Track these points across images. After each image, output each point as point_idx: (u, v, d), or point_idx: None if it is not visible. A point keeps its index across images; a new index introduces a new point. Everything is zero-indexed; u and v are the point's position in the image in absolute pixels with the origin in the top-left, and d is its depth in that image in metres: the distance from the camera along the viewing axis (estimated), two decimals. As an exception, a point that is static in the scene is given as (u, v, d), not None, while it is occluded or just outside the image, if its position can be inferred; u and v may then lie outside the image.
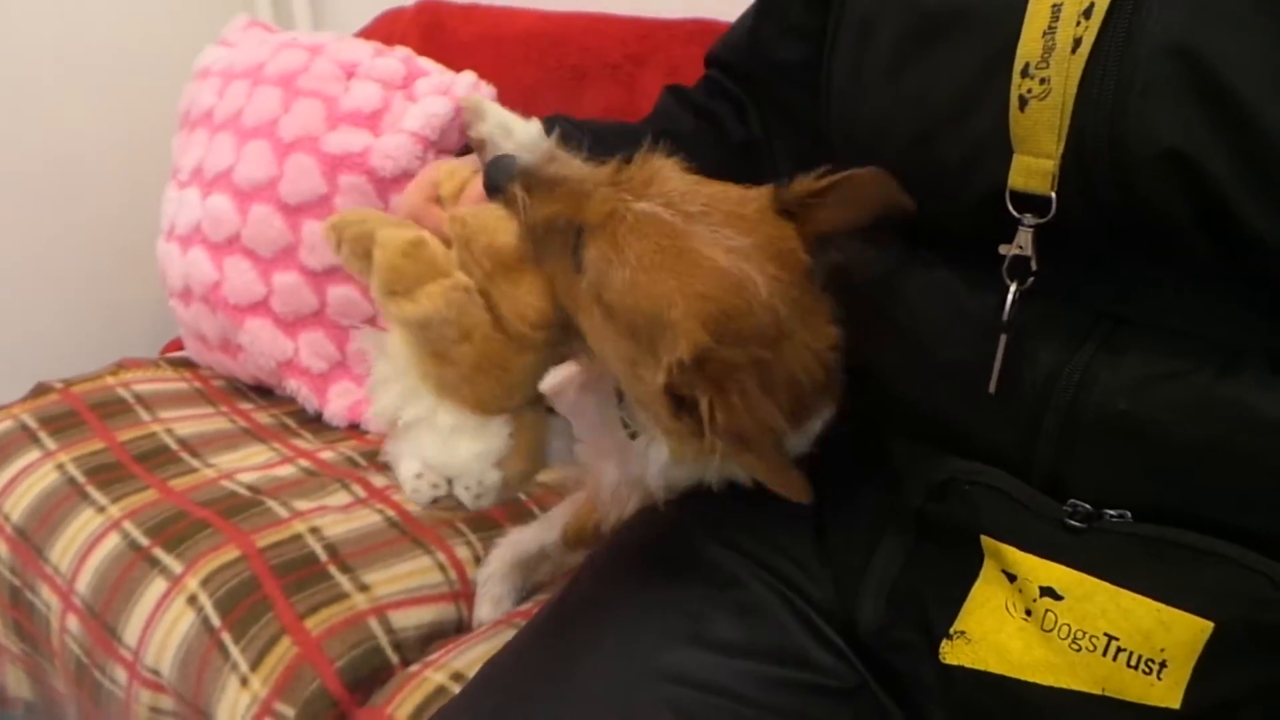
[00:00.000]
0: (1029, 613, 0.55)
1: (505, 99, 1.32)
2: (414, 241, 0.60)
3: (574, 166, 0.62)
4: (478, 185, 0.67)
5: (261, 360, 1.24)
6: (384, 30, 1.49)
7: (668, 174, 0.60)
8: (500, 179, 0.61)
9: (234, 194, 1.21)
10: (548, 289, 0.61)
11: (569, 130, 0.73)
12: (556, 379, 0.97)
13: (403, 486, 0.65)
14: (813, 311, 0.59)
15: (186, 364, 1.40)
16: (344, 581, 0.93)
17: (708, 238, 0.56)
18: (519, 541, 0.93)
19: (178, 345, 1.48)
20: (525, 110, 1.34)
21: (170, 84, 1.39)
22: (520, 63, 1.36)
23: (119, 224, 1.69)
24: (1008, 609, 0.56)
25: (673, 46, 1.26)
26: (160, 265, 1.33)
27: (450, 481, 0.63)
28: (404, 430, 0.64)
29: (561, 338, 0.63)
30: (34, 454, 1.16)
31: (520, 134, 0.70)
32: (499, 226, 0.61)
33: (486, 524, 1.03)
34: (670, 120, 0.82)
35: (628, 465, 0.74)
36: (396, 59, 1.26)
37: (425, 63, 1.28)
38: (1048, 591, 0.54)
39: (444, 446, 0.63)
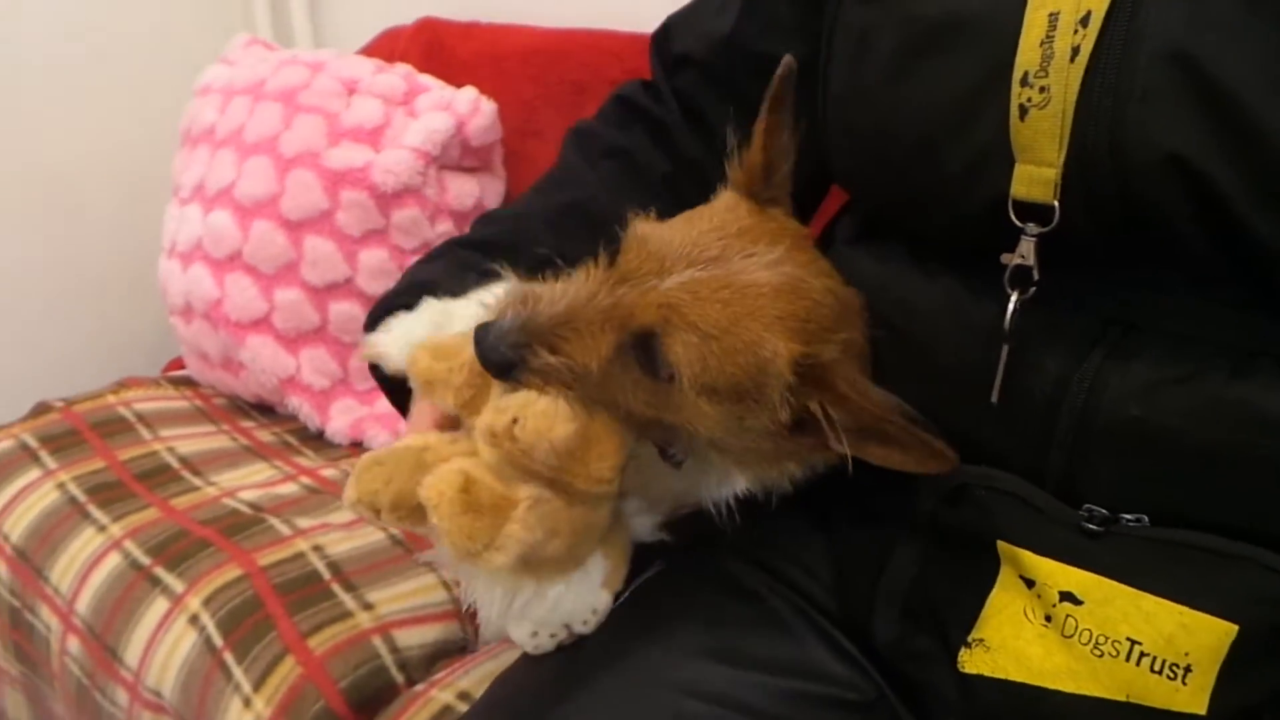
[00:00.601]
0: (1049, 619, 0.54)
1: (506, 115, 1.32)
2: (463, 488, 0.54)
3: (560, 294, 0.56)
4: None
5: (263, 378, 1.23)
6: (384, 48, 1.50)
7: (664, 237, 0.57)
8: (506, 355, 0.54)
9: (235, 210, 1.20)
10: (611, 437, 0.56)
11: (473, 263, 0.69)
12: None
13: (522, 648, 0.64)
14: (839, 277, 0.60)
15: (188, 382, 1.39)
16: (347, 600, 0.92)
17: (747, 266, 0.55)
18: None
19: (179, 364, 1.47)
20: (527, 123, 1.35)
21: (171, 102, 1.39)
22: (520, 79, 1.36)
23: (120, 243, 1.69)
24: (1026, 615, 0.55)
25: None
26: (161, 283, 1.33)
27: (567, 625, 0.62)
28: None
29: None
30: (34, 473, 1.15)
31: (459, 322, 0.63)
32: (547, 422, 0.54)
33: (491, 540, 1.02)
34: (576, 184, 0.76)
35: (651, 495, 0.73)
36: (397, 75, 1.27)
37: (426, 79, 1.29)
38: (1067, 596, 0.53)
39: (552, 608, 0.61)
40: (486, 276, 0.68)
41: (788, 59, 0.61)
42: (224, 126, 1.26)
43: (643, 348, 0.54)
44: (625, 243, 0.57)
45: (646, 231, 0.57)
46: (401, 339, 0.65)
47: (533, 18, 1.42)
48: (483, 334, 0.55)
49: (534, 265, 0.67)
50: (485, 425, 0.55)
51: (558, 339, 0.54)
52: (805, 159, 0.74)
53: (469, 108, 1.23)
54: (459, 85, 1.30)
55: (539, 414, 0.54)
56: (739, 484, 0.62)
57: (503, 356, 0.54)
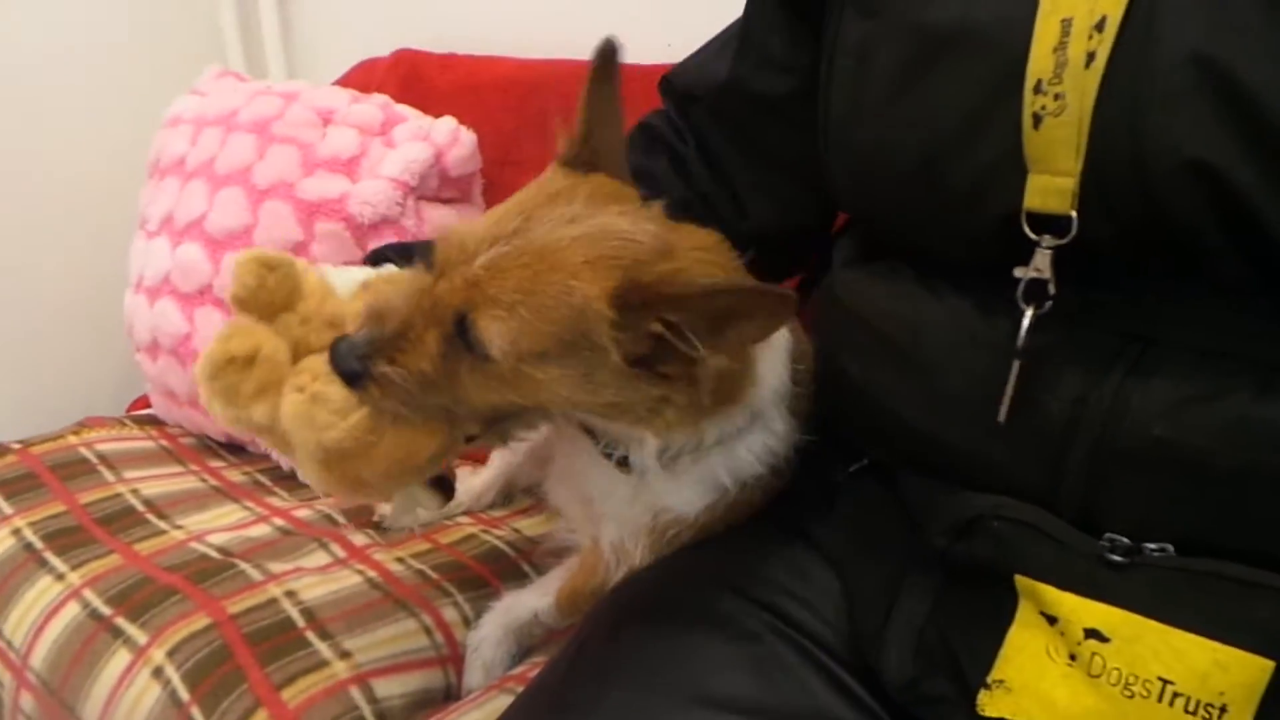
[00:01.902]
0: (1073, 657, 0.51)
1: (485, 146, 1.30)
2: (226, 364, 0.61)
3: (398, 304, 0.60)
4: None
5: (233, 415, 1.19)
6: (360, 80, 1.47)
7: (469, 227, 0.59)
8: (354, 367, 0.59)
9: (206, 243, 1.17)
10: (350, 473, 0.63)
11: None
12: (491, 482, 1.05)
13: None
14: (676, 227, 0.62)
15: (153, 421, 1.34)
16: (323, 648, 0.87)
17: (548, 230, 0.58)
18: (512, 607, 0.90)
19: (144, 403, 1.42)
20: (506, 154, 1.33)
21: (138, 135, 1.36)
22: (499, 110, 1.34)
23: (82, 278, 1.64)
24: (1049, 654, 0.52)
25: (653, 92, 1.24)
26: (126, 318, 1.28)
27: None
28: None
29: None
30: (-12, 520, 1.09)
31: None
32: (309, 430, 0.61)
33: (475, 584, 0.98)
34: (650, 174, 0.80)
35: (627, 512, 0.73)
36: (374, 105, 1.25)
37: (404, 109, 1.27)
38: (1093, 633, 0.51)
39: None
40: None
41: (607, 38, 0.65)
42: (195, 158, 1.23)
43: (464, 334, 0.57)
44: (437, 242, 0.60)
45: (454, 226, 0.60)
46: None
47: (511, 49, 1.41)
48: (336, 346, 0.60)
49: None
50: (302, 377, 0.61)
51: (396, 351, 0.58)
52: (813, 193, 0.74)
53: (448, 138, 1.21)
54: (437, 116, 1.28)
55: (317, 417, 0.60)
56: (649, 443, 0.64)
57: (350, 367, 0.59)
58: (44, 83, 1.59)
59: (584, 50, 1.32)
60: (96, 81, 1.64)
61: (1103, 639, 0.50)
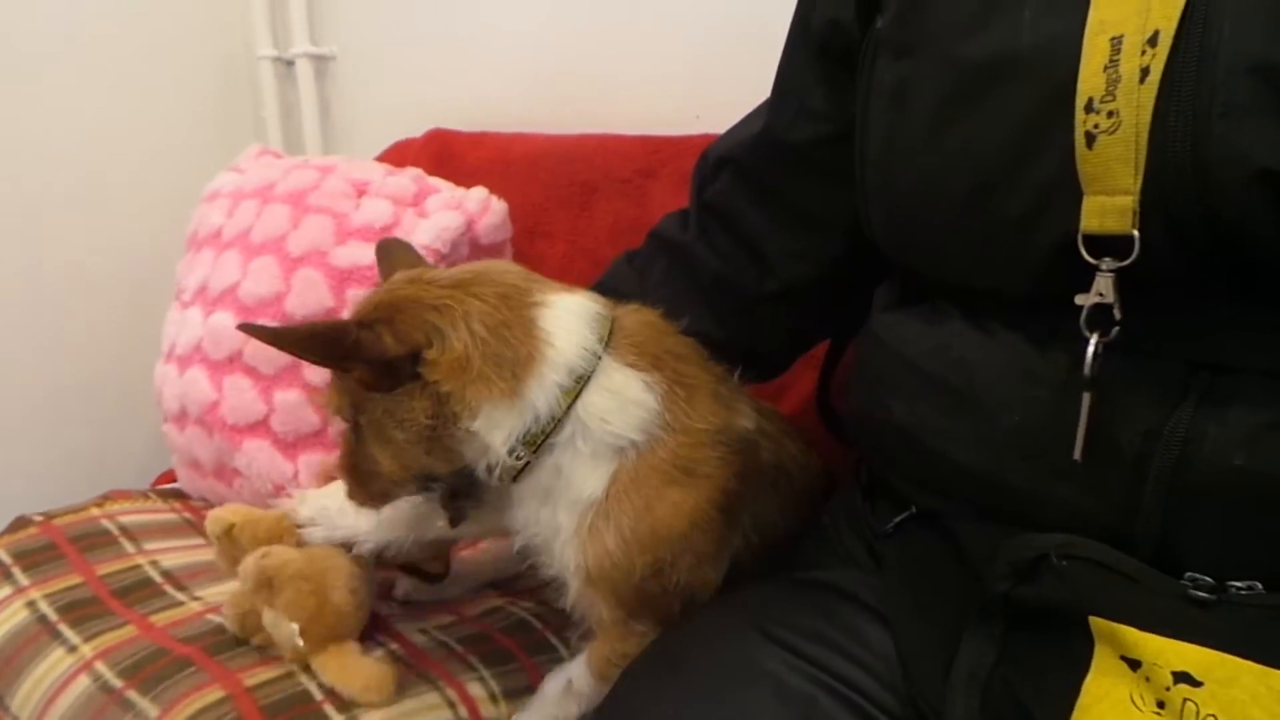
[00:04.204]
0: (1162, 705, 0.47)
1: (515, 218, 1.31)
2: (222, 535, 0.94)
3: None
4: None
5: (258, 484, 1.17)
6: (395, 159, 1.50)
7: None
8: None
9: (238, 310, 1.17)
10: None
11: None
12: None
13: None
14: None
15: (177, 495, 1.32)
16: (341, 722, 0.83)
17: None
18: (548, 681, 0.86)
19: (170, 478, 1.40)
20: (536, 225, 1.35)
21: (175, 210, 1.39)
22: (530, 182, 1.36)
23: (114, 354, 1.66)
24: (1134, 702, 0.47)
25: (681, 160, 1.26)
26: (155, 389, 1.28)
27: None
28: None
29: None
30: (4, 591, 1.06)
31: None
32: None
33: (501, 657, 0.94)
34: (618, 278, 0.86)
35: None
36: (408, 178, 1.27)
37: (436, 181, 1.28)
38: (1183, 677, 0.46)
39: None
40: None
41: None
42: (231, 229, 1.25)
43: None
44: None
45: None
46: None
47: (541, 126, 1.44)
48: None
49: None
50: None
51: None
52: (843, 245, 0.73)
53: (479, 206, 1.22)
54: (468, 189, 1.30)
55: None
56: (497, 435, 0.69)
57: None
58: (85, 162, 1.64)
59: (611, 125, 1.35)
60: (137, 160, 1.68)
61: (1194, 683, 0.46)
